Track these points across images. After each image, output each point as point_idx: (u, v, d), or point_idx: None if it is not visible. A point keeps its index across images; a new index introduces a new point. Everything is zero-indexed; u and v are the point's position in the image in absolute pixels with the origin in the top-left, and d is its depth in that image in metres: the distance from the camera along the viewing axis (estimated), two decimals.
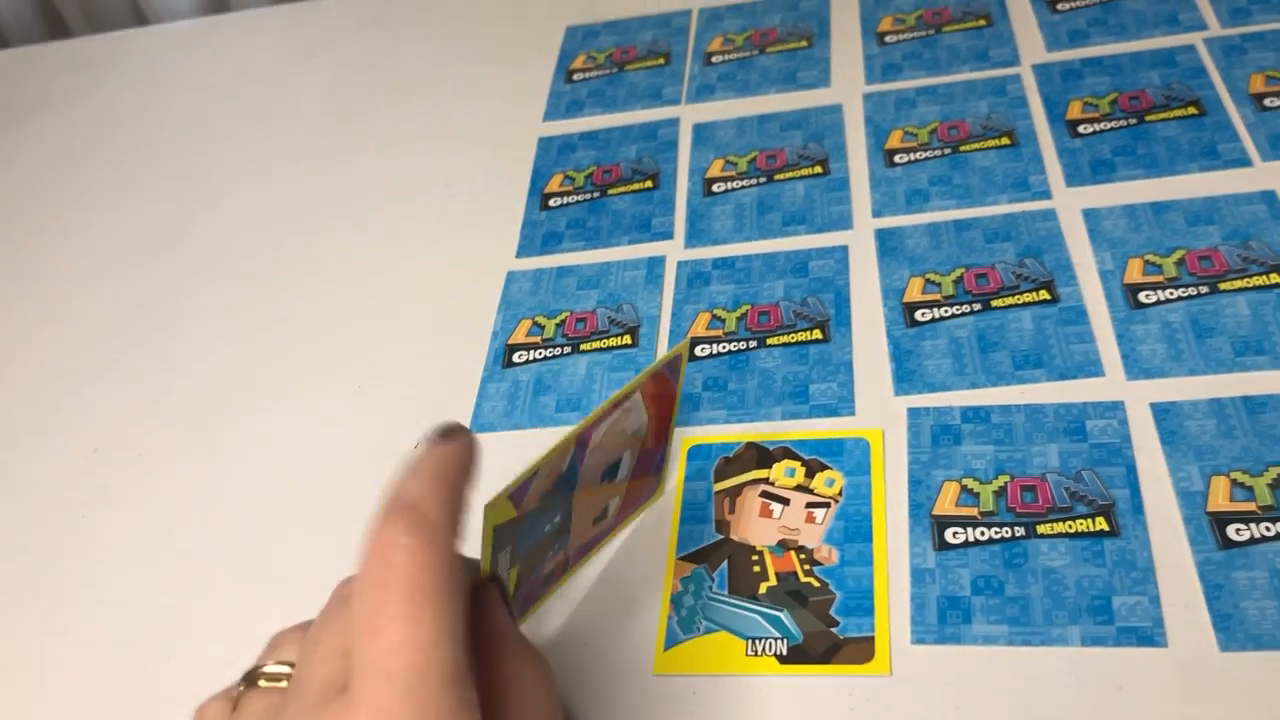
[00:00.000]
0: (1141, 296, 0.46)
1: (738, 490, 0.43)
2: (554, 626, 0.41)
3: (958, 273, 0.49)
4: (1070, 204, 0.50)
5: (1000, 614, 0.38)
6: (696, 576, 0.41)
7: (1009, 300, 0.47)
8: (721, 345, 0.48)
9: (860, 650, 0.38)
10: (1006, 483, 0.41)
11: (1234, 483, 0.39)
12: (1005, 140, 0.54)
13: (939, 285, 0.48)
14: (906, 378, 0.45)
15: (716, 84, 0.62)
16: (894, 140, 0.56)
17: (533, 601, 0.39)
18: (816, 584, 0.40)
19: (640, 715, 0.38)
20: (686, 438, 0.45)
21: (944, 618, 0.38)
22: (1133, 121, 0.53)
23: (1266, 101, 0.52)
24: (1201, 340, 0.44)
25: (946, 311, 0.47)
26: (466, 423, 0.48)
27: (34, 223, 0.67)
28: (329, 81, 0.71)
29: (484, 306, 0.53)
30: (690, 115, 0.61)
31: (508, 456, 0.46)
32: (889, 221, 0.52)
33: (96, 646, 0.45)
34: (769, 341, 0.48)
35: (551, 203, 0.58)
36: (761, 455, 0.44)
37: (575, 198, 0.58)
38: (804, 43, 0.63)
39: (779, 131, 0.58)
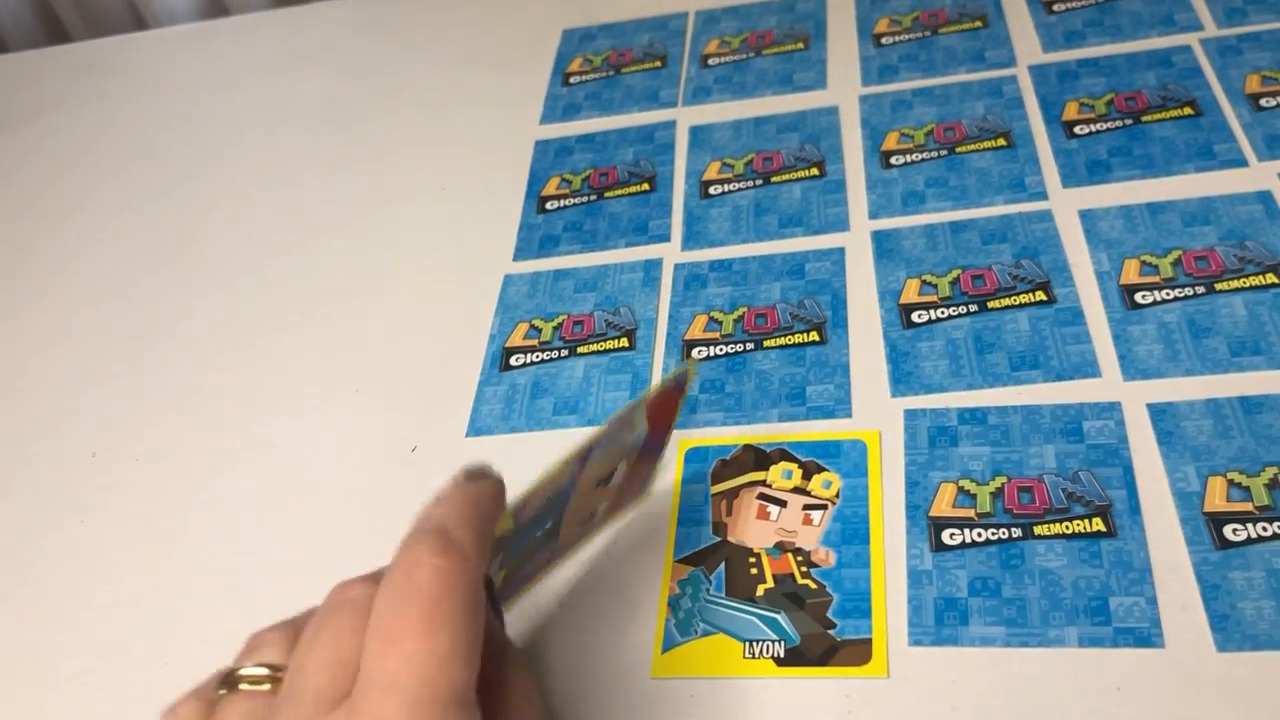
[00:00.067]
0: (1138, 297, 0.46)
1: (735, 492, 0.43)
2: (552, 630, 0.41)
3: (954, 274, 0.49)
4: (1066, 205, 0.51)
5: (997, 615, 0.38)
6: (694, 579, 0.41)
7: (1005, 301, 0.47)
8: (718, 348, 0.48)
9: (858, 652, 0.38)
10: (1003, 484, 0.41)
11: (1231, 483, 0.39)
12: (1001, 141, 0.54)
13: (935, 287, 0.49)
14: (903, 379, 0.45)
15: (713, 86, 0.62)
16: (890, 142, 0.56)
17: (508, 599, 0.39)
18: (814, 586, 0.40)
19: (638, 718, 0.38)
20: (683, 440, 0.45)
21: (941, 619, 0.38)
22: (1129, 122, 0.53)
23: (1262, 102, 0.52)
24: (1198, 340, 0.44)
25: (943, 313, 0.47)
26: (464, 425, 0.48)
27: (32, 227, 0.67)
28: (326, 86, 0.71)
29: (481, 310, 0.53)
30: (687, 118, 0.61)
31: (506, 459, 0.46)
32: (885, 223, 0.52)
33: (96, 651, 0.45)
34: (766, 344, 0.48)
35: (548, 206, 0.58)
36: (759, 457, 0.44)
37: (572, 201, 0.58)
38: (800, 45, 0.63)
39: (775, 134, 0.58)
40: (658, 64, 0.65)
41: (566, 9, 0.71)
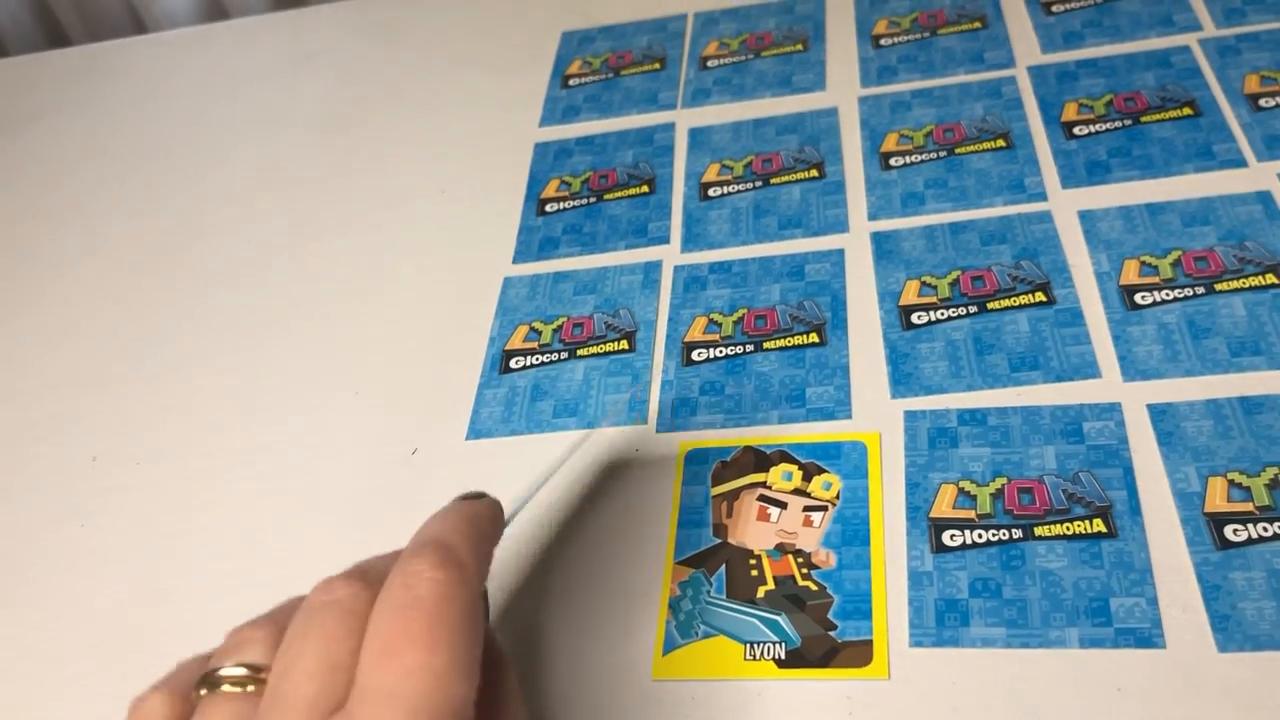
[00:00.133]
0: (1138, 298, 0.46)
1: (735, 494, 0.43)
2: (553, 631, 0.41)
3: (954, 275, 0.49)
4: (1066, 206, 0.51)
5: (998, 616, 0.38)
6: (694, 581, 0.41)
7: (1005, 302, 0.47)
8: (718, 349, 0.48)
9: (858, 654, 0.38)
10: (1004, 485, 0.41)
11: (1231, 483, 0.39)
12: (1001, 142, 0.54)
13: (935, 288, 0.49)
14: (903, 380, 0.45)
15: (712, 88, 0.62)
16: (889, 143, 0.56)
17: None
18: (814, 587, 0.40)
19: None
20: (684, 442, 0.45)
21: (942, 620, 0.38)
22: (1128, 123, 0.53)
23: (1261, 102, 0.52)
24: (1198, 341, 0.44)
25: (943, 314, 0.47)
26: (463, 428, 0.48)
27: (32, 230, 0.67)
28: (326, 88, 0.71)
29: (481, 312, 0.53)
30: (686, 120, 0.61)
31: (506, 462, 0.47)
32: (885, 224, 0.52)
33: (97, 654, 0.45)
34: (765, 345, 0.48)
35: (548, 208, 0.58)
36: (759, 459, 0.44)
37: (571, 203, 0.58)
38: (799, 46, 0.63)
39: (774, 135, 0.58)
40: (657, 66, 0.65)
41: (566, 11, 0.71)
